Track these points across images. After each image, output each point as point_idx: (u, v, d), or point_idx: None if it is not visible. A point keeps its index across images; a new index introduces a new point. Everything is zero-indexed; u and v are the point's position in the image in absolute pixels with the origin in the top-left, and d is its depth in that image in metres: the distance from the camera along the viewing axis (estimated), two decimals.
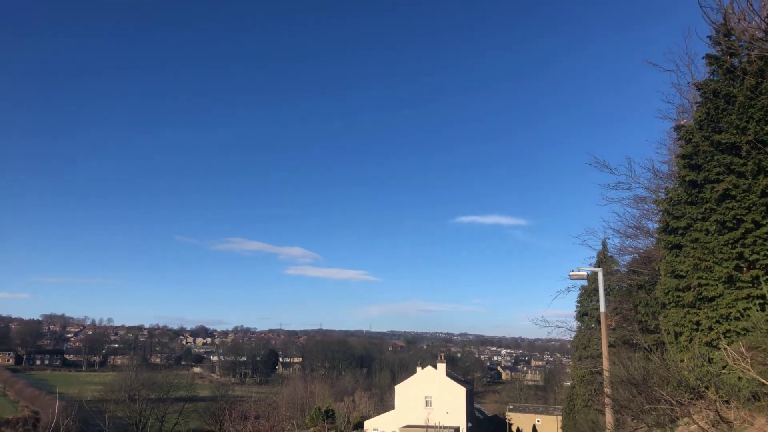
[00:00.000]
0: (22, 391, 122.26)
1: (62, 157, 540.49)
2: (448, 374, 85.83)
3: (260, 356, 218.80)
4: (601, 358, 26.86)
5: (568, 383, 71.10)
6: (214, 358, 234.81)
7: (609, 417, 21.61)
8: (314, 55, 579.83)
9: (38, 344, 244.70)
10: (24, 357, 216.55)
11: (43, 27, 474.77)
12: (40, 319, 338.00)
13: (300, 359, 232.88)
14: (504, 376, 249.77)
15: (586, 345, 44.53)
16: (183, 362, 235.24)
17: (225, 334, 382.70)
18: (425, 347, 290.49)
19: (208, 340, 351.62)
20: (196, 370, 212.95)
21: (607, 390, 19.85)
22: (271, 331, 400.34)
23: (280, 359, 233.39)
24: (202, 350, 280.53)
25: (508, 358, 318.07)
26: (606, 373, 21.42)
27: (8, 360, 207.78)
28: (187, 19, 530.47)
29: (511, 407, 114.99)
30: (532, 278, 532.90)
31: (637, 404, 15.81)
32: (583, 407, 44.94)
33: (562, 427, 65.22)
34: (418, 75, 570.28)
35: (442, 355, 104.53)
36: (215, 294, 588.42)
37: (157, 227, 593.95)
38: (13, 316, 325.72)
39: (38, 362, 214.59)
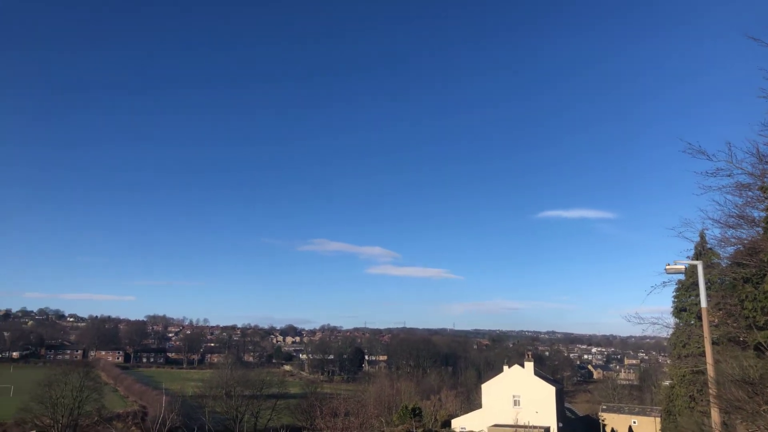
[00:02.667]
0: (130, 387, 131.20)
1: (158, 170, 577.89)
2: (536, 373, 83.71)
3: (347, 354, 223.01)
4: (703, 356, 25.28)
5: (667, 383, 67.30)
6: (303, 356, 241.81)
7: (716, 418, 20.31)
8: (388, 62, 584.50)
9: (144, 343, 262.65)
10: (131, 355, 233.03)
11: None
12: (145, 319, 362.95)
13: (385, 357, 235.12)
14: (595, 375, 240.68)
15: (685, 342, 42.12)
16: (274, 360, 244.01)
17: (312, 332, 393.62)
18: (511, 345, 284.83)
19: (297, 338, 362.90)
20: (287, 367, 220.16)
21: (713, 390, 18.65)
22: (356, 329, 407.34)
23: (366, 357, 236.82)
24: (291, 348, 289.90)
25: (599, 357, 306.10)
26: (711, 372, 20.13)
27: (118, 358, 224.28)
28: (289, 32, 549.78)
29: (604, 407, 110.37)
30: (623, 273, 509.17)
31: (753, 406, 14.73)
32: (685, 408, 42.52)
33: (662, 429, 61.87)
34: (497, 71, 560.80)
35: (530, 353, 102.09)
36: (302, 294, 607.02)
37: (245, 230, 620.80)
38: (121, 318, 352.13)
39: (144, 360, 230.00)
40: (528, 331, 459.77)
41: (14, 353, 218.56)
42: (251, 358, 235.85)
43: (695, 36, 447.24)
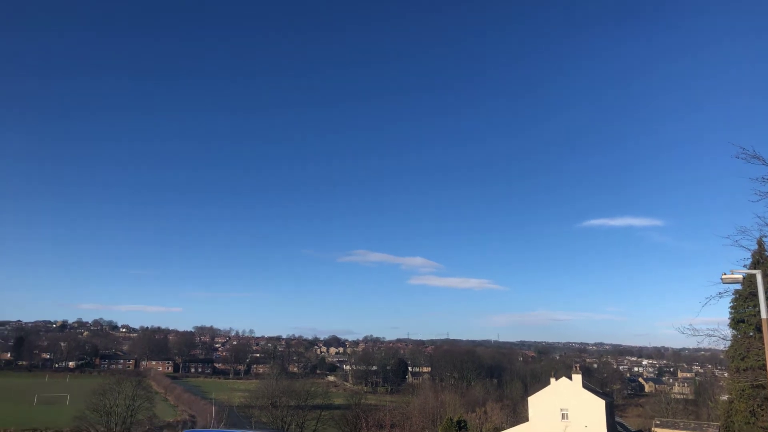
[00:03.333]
0: (180, 396, 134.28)
1: (203, 187, 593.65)
2: (585, 386, 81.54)
3: (390, 366, 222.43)
4: (764, 369, 24.22)
5: (725, 397, 64.55)
6: (347, 367, 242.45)
7: None
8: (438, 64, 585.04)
9: (192, 353, 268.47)
10: (180, 365, 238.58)
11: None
12: (193, 330, 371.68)
13: (429, 369, 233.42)
14: (647, 389, 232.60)
15: (744, 355, 40.35)
16: (318, 371, 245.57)
17: (356, 343, 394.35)
18: (557, 357, 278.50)
19: (340, 349, 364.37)
20: (330, 378, 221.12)
21: None
22: (399, 340, 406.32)
23: (410, 369, 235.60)
24: (335, 359, 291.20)
25: (651, 369, 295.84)
26: None
27: (168, 368, 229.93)
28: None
29: (657, 422, 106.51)
30: (674, 283, 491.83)
31: None
32: (745, 424, 40.70)
33: None
34: (539, 82, 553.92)
35: (577, 365, 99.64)
36: (344, 305, 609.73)
37: (288, 242, 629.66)
38: (170, 328, 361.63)
39: (192, 370, 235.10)
40: (575, 343, 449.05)
41: (71, 363, 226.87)
42: (296, 369, 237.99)
43: (747, 42, 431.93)
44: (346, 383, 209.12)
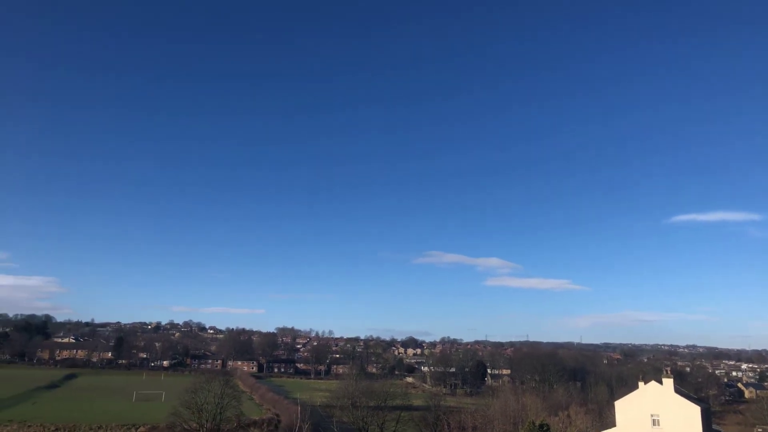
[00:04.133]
0: (264, 396, 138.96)
1: (281, 192, 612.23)
2: (677, 390, 77.26)
3: (468, 367, 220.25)
4: None
5: None
6: (425, 369, 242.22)
7: None
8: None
9: (275, 354, 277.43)
10: (264, 365, 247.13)
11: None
12: (275, 331, 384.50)
13: (508, 371, 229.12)
14: (746, 394, 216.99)
15: None
16: (396, 372, 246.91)
17: (433, 345, 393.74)
18: (645, 360, 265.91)
19: (418, 350, 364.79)
20: (409, 379, 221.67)
21: None
22: (477, 342, 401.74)
23: (489, 370, 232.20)
24: (412, 360, 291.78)
25: (751, 374, 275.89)
26: None
27: (252, 368, 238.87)
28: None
29: (759, 430, 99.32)
30: None
31: None
32: None
33: None
34: (624, 77, 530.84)
35: (668, 369, 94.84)
36: (420, 306, 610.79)
37: (364, 245, 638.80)
38: (253, 330, 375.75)
39: (275, 370, 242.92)
40: (664, 345, 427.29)
41: (165, 362, 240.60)
42: (374, 370, 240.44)
43: None
44: (424, 384, 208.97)
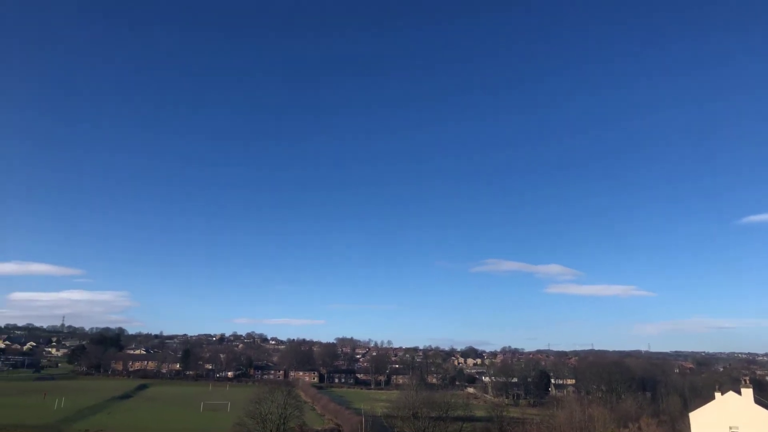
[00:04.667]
0: (326, 406, 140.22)
1: (338, 206, 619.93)
2: (757, 401, 72.81)
3: (531, 377, 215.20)
4: None
5: None
6: (486, 379, 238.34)
7: None
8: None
9: (335, 364, 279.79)
10: (325, 375, 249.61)
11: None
12: (335, 342, 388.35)
13: (573, 381, 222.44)
14: None
15: None
16: (457, 382, 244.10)
17: (493, 354, 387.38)
18: (721, 369, 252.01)
19: (478, 360, 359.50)
20: (470, 390, 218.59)
21: None
22: (539, 351, 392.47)
23: (552, 381, 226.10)
24: (473, 371, 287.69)
25: None
26: None
27: (313, 378, 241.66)
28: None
29: None
30: None
31: None
32: None
33: None
34: (689, 70, 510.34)
35: (746, 378, 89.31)
36: (478, 315, 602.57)
37: (421, 255, 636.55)
38: (314, 340, 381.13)
39: (336, 380, 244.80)
40: (741, 353, 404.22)
41: (229, 373, 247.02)
42: (434, 380, 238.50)
43: None
44: (486, 395, 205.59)
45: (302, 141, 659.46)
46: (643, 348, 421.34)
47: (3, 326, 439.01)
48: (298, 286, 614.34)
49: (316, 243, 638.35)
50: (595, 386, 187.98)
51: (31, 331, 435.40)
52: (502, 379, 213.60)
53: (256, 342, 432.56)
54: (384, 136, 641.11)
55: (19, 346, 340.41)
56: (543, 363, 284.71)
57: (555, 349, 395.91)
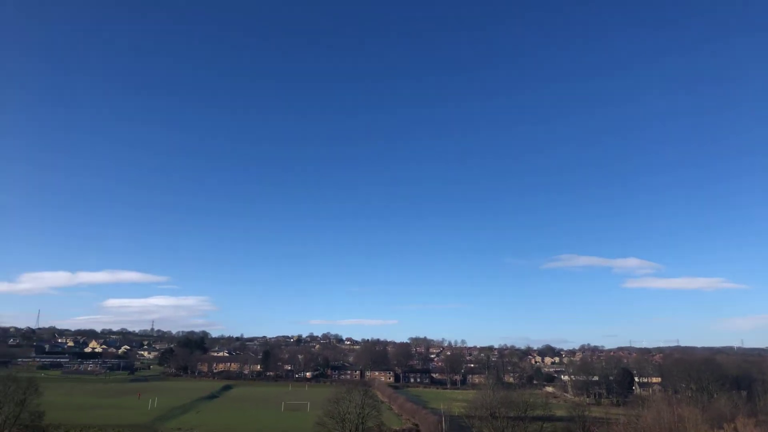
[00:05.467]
0: (403, 406, 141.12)
1: (405, 208, 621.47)
2: None
3: (613, 376, 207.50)
4: None
5: None
6: (565, 378, 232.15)
7: None
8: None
9: (409, 364, 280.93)
10: (400, 375, 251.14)
11: None
12: (408, 341, 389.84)
13: (658, 379, 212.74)
14: None
15: None
16: (534, 381, 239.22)
17: (572, 352, 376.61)
18: None
19: (556, 359, 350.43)
20: (549, 389, 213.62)
21: None
22: (620, 348, 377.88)
23: (636, 379, 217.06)
24: (551, 369, 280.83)
25: None
26: None
27: (389, 378, 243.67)
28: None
29: None
30: None
31: None
32: None
33: None
34: None
35: None
36: (554, 312, 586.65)
37: (489, 252, 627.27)
38: (387, 340, 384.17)
39: (411, 380, 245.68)
40: None
41: (307, 373, 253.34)
42: (511, 379, 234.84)
43: None
44: (565, 394, 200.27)
45: (373, 141, 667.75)
46: (735, 344, 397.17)
47: (99, 331, 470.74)
48: (370, 287, 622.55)
49: (387, 244, 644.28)
50: (683, 385, 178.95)
51: (124, 336, 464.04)
52: (582, 378, 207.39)
53: (331, 342, 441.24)
54: (450, 133, 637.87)
55: (114, 350, 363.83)
56: (625, 360, 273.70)
57: (637, 345, 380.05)
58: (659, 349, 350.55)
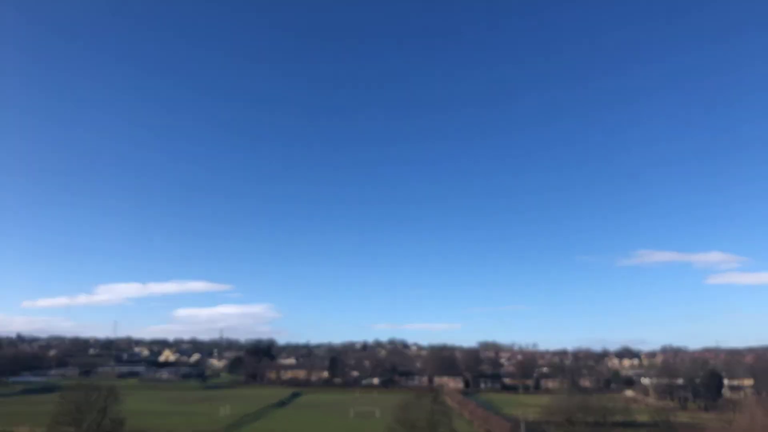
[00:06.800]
0: (474, 412, 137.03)
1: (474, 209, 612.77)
2: None
3: (699, 378, 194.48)
4: None
5: None
6: (646, 381, 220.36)
7: None
8: None
9: (479, 369, 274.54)
10: (470, 381, 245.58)
11: None
12: (477, 346, 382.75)
13: (750, 381, 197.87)
14: None
15: None
16: (612, 385, 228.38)
17: (652, 354, 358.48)
18: None
19: (635, 361, 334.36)
20: (629, 393, 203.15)
21: None
22: (706, 349, 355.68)
23: (725, 381, 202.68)
24: (630, 372, 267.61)
25: None
26: None
27: (458, 384, 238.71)
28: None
29: None
30: None
31: None
32: None
33: None
34: None
35: None
36: (630, 312, 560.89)
37: (559, 250, 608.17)
38: (454, 345, 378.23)
39: (481, 385, 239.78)
40: None
41: (374, 379, 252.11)
42: (587, 383, 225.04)
43: None
44: (647, 398, 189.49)
45: (432, 140, 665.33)
46: None
47: (172, 340, 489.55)
48: (433, 290, 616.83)
49: (450, 245, 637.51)
50: None
51: (195, 344, 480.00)
52: (664, 381, 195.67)
53: (397, 348, 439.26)
54: (516, 127, 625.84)
55: (186, 358, 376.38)
56: (712, 362, 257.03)
57: (726, 346, 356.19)
58: (751, 349, 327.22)
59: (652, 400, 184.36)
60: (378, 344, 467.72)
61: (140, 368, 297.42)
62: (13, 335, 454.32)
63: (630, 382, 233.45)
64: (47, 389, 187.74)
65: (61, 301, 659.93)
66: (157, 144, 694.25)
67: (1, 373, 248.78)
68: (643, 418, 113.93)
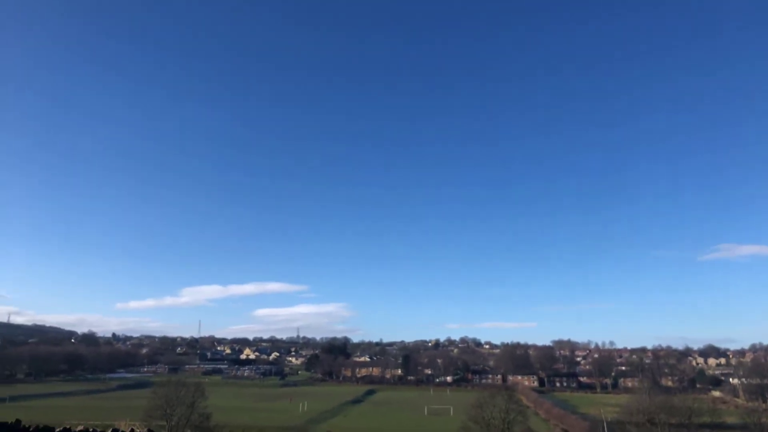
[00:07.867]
0: (550, 411, 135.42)
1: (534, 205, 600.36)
2: None
3: None
4: None
5: None
6: (734, 381, 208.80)
7: None
8: None
9: (554, 368, 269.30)
10: (544, 379, 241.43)
11: None
12: (551, 344, 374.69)
13: None
14: None
15: None
16: (698, 385, 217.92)
17: (741, 353, 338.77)
18: None
19: (722, 360, 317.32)
20: (716, 393, 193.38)
21: None
22: None
23: None
24: (716, 372, 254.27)
25: None
26: None
27: (532, 382, 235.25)
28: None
29: None
30: None
31: None
32: None
33: None
34: None
35: None
36: (715, 309, 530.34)
37: (634, 245, 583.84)
38: (528, 343, 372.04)
39: (557, 384, 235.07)
40: None
41: (448, 377, 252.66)
42: (670, 383, 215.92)
43: None
44: (736, 399, 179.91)
45: (500, 140, 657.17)
46: None
47: (252, 339, 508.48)
48: (507, 289, 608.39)
49: (523, 244, 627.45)
50: None
51: (273, 343, 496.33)
52: (755, 381, 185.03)
53: (470, 347, 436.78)
54: (595, 120, 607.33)
55: (266, 357, 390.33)
56: None
57: None
58: None
59: (741, 401, 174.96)
60: (450, 342, 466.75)
61: (223, 366, 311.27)
62: (109, 335, 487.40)
63: (717, 382, 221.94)
64: (140, 385, 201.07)
65: (150, 303, 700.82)
66: (239, 159, 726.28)
67: (100, 369, 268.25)
68: (732, 419, 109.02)
